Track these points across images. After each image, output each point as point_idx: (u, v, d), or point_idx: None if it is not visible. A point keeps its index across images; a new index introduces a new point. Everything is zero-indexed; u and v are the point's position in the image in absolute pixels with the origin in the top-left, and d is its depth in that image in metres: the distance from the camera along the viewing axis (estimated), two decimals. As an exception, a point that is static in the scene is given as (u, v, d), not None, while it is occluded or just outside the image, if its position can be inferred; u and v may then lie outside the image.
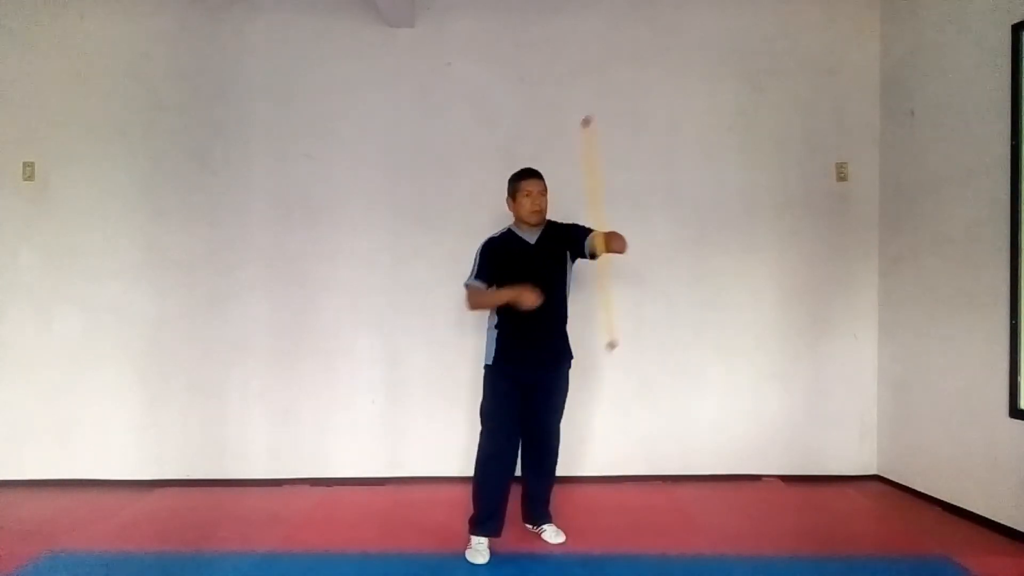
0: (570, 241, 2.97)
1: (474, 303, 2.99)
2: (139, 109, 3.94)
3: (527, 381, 2.91)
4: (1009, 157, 3.02)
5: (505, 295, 2.80)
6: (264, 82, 3.96)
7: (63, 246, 3.92)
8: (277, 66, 3.96)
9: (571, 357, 3.05)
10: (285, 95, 3.96)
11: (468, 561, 2.77)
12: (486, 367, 2.95)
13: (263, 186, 3.95)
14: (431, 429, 3.90)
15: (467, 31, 3.97)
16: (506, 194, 2.99)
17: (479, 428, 2.94)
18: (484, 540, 2.82)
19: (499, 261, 2.91)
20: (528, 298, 2.71)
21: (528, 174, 2.94)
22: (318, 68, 3.96)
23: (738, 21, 3.97)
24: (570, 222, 3.04)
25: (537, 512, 3.06)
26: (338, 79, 3.95)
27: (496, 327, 2.92)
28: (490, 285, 2.91)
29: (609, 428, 3.95)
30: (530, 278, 2.82)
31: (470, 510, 2.87)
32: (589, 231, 2.94)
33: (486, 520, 2.83)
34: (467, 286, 2.95)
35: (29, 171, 3.91)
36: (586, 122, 2.88)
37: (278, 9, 3.96)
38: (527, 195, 2.90)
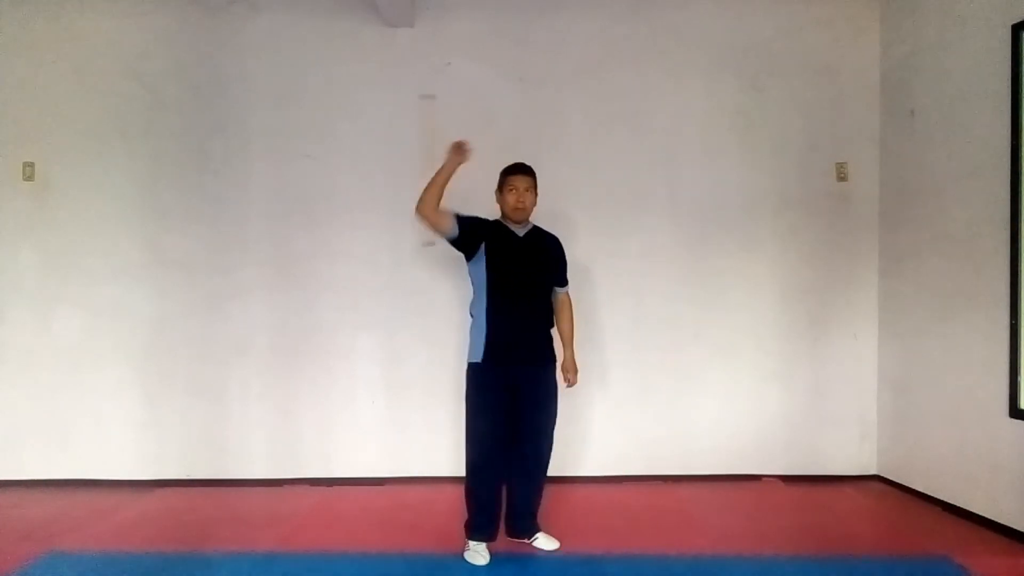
0: (554, 268, 3.01)
1: (427, 193, 2.80)
2: (139, 109, 3.94)
3: (515, 380, 2.83)
4: (1009, 157, 3.02)
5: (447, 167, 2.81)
6: (264, 82, 3.96)
7: (63, 246, 3.91)
8: (277, 66, 3.96)
9: (555, 359, 2.98)
10: (285, 95, 3.95)
11: (468, 562, 2.77)
12: (472, 365, 2.84)
13: (263, 186, 3.95)
14: (431, 429, 3.90)
15: (467, 31, 3.97)
16: (496, 187, 2.97)
17: (463, 429, 2.88)
18: (482, 543, 2.81)
19: (487, 236, 2.86)
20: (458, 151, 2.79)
21: (516, 169, 2.92)
22: (318, 68, 3.96)
23: (738, 21, 3.98)
24: (561, 253, 3.05)
25: (525, 525, 2.94)
26: (338, 79, 3.95)
27: (486, 320, 2.81)
28: (465, 245, 2.86)
29: (609, 428, 3.95)
30: (519, 265, 2.86)
31: (465, 514, 2.86)
32: (564, 281, 3.05)
33: (483, 525, 2.81)
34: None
35: (29, 171, 3.91)
36: None
37: (278, 9, 3.96)
38: (511, 190, 2.89)
